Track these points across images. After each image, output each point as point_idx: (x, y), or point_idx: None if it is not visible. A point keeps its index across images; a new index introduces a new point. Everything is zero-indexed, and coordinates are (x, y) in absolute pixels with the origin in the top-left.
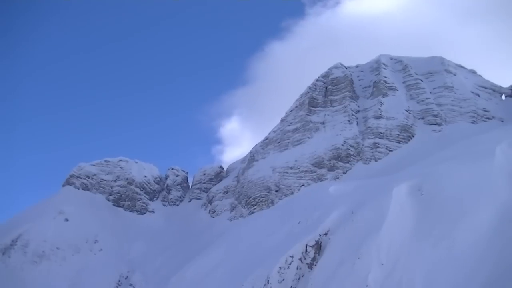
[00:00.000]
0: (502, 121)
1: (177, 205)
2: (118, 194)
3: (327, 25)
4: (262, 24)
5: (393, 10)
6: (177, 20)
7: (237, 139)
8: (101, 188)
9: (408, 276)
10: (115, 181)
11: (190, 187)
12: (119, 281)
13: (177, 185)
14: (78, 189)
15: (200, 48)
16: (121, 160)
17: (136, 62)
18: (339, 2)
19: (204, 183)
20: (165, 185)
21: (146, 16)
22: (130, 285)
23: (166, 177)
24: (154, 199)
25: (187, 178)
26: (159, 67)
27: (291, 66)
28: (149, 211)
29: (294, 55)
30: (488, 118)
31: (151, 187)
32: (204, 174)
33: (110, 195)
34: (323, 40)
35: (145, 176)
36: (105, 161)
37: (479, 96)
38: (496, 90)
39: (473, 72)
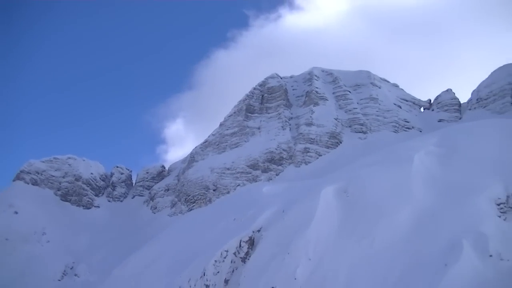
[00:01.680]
0: (421, 131)
1: (121, 201)
2: (66, 190)
3: (269, 36)
4: (209, 33)
5: (329, 25)
6: (131, 24)
7: (181, 140)
8: (49, 184)
9: (332, 270)
10: (63, 177)
11: (133, 184)
12: (64, 271)
13: (122, 182)
14: (28, 184)
15: (150, 53)
16: (69, 158)
17: (87, 62)
18: (281, 15)
19: (147, 181)
20: (110, 182)
21: (102, 17)
22: (75, 275)
23: (112, 174)
24: (100, 195)
25: (131, 176)
26: (109, 69)
27: (234, 73)
28: (95, 206)
29: (237, 63)
30: (408, 128)
31: (97, 183)
32: (147, 172)
33: (58, 190)
34: (264, 51)
35: (92, 173)
36: (54, 158)
37: (400, 107)
38: (415, 103)
39: (396, 85)
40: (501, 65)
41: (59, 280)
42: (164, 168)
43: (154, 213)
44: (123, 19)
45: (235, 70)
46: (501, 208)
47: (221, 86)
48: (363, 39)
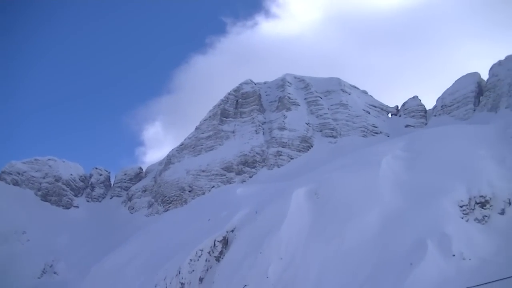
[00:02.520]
0: (388, 136)
1: (100, 202)
2: (46, 190)
3: (245, 43)
4: (188, 39)
5: (303, 34)
6: (115, 27)
7: (159, 142)
8: (30, 184)
9: (303, 269)
10: (44, 178)
11: (112, 185)
12: (44, 269)
13: (100, 183)
14: (9, 184)
15: (131, 57)
16: (49, 159)
17: (69, 65)
18: (257, 23)
19: (125, 182)
20: (89, 183)
21: (85, 20)
22: (54, 272)
23: (91, 175)
24: (79, 195)
25: (109, 177)
26: (91, 71)
27: (211, 79)
28: (74, 206)
29: (215, 69)
30: (376, 133)
31: (77, 184)
32: (125, 174)
33: (39, 191)
34: (241, 57)
35: (71, 174)
36: (35, 159)
37: (369, 113)
38: (383, 109)
39: (365, 92)
40: (464, 74)
41: (39, 278)
42: (142, 170)
43: (132, 213)
44: (106, 22)
45: (213, 75)
46: (464, 210)
47: (199, 91)
48: (336, 47)
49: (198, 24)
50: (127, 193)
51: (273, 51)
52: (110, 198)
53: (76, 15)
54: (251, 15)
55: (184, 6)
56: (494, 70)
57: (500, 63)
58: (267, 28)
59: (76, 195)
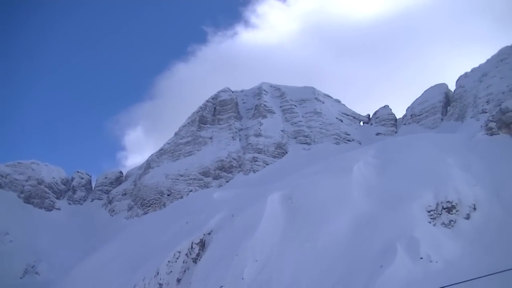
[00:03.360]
0: (360, 143)
1: (81, 204)
2: (29, 192)
3: (225, 52)
4: (171, 47)
5: (281, 44)
6: (100, 33)
7: (141, 147)
8: (13, 187)
9: (278, 271)
10: (27, 180)
11: (93, 188)
12: (26, 269)
13: (82, 186)
14: None
15: (115, 63)
16: (32, 163)
17: (53, 69)
18: (237, 33)
19: (106, 185)
20: (71, 186)
21: (69, 24)
22: (36, 273)
23: (72, 179)
24: (61, 198)
25: (90, 180)
26: (74, 75)
27: (192, 86)
28: (56, 209)
29: (195, 76)
30: (348, 140)
31: (59, 187)
32: (106, 177)
33: (22, 193)
34: (221, 65)
35: (54, 178)
36: (18, 162)
37: (342, 121)
38: (356, 117)
39: (338, 101)
40: (433, 84)
41: (21, 278)
42: (122, 173)
43: (112, 215)
44: (90, 29)
45: (193, 82)
46: (431, 215)
47: (180, 98)
48: (312, 57)
49: (181, 32)
50: (108, 196)
51: (252, 60)
52: (91, 201)
53: (61, 20)
54: (231, 25)
55: (167, 15)
56: (461, 81)
57: (466, 75)
58: (246, 37)
59: (58, 198)
